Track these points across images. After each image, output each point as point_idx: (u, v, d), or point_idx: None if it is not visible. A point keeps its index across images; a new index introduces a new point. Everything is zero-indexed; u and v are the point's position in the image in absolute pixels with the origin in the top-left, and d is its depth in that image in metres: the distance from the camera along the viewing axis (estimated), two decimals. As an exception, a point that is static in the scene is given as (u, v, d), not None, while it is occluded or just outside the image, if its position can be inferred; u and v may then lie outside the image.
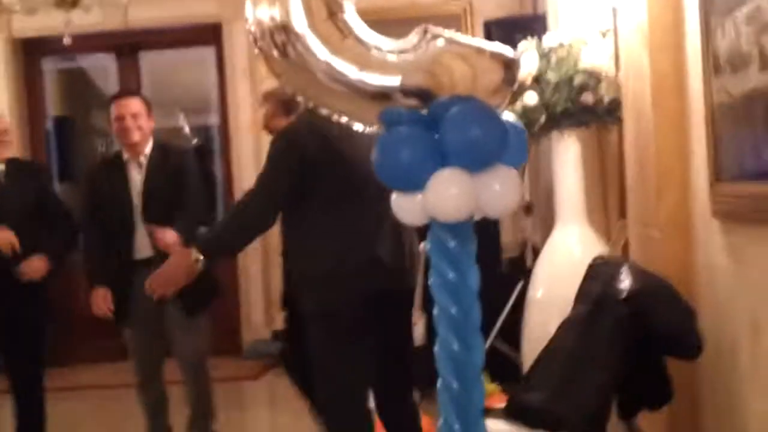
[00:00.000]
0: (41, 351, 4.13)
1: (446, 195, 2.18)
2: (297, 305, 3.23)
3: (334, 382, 2.95)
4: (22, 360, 4.03)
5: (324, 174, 2.92)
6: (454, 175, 2.18)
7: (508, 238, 5.36)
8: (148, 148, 3.97)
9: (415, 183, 2.21)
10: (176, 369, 4.05)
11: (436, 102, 2.25)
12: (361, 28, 2.34)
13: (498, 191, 2.21)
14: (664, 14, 3.07)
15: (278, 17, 2.28)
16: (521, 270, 4.75)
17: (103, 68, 7.03)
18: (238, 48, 6.48)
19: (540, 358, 2.78)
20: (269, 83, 3.59)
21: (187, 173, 3.97)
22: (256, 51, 2.37)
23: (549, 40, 3.91)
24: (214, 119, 7.03)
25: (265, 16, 2.30)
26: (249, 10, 2.34)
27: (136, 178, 3.95)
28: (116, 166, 4.00)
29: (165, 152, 4.02)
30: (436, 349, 2.21)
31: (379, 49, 2.31)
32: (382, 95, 2.30)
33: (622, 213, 3.95)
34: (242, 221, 2.99)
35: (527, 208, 4.92)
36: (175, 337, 3.97)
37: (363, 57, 2.29)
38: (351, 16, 2.34)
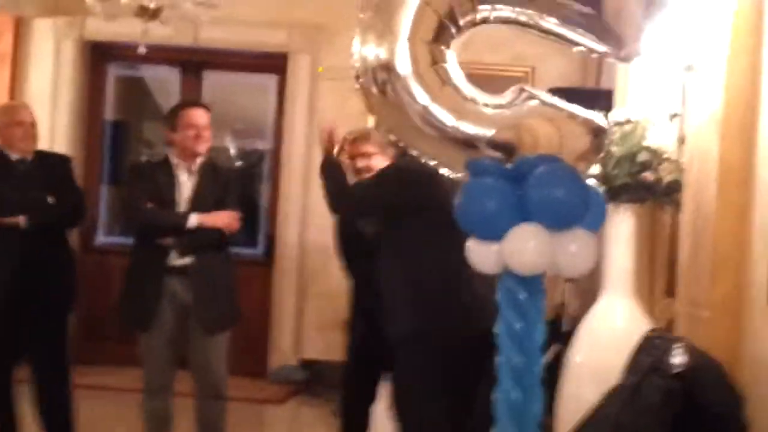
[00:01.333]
0: (63, 335, 4.18)
1: (524, 247, 2.25)
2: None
3: (420, 412, 3.06)
4: (46, 343, 4.08)
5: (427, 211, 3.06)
6: (533, 229, 2.25)
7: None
8: (200, 159, 4.04)
9: (494, 232, 2.29)
10: (186, 380, 4.03)
11: (522, 158, 2.33)
12: (460, 79, 2.44)
13: (574, 252, 2.29)
14: (739, 105, 3.14)
15: (383, 57, 2.39)
16: (555, 334, 4.78)
17: (165, 81, 7.14)
18: (301, 80, 6.60)
19: (584, 423, 2.81)
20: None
21: (231, 190, 4.07)
22: (356, 86, 2.47)
23: (616, 115, 4.00)
24: (264, 144, 7.14)
25: (371, 54, 2.41)
26: (356, 46, 2.44)
27: (186, 183, 4.01)
28: (164, 168, 4.04)
29: (214, 167, 4.11)
30: (495, 396, 2.26)
31: (474, 101, 2.41)
32: (469, 144, 2.40)
33: (668, 292, 3.99)
34: (338, 192, 3.38)
35: (569, 274, 4.96)
36: (193, 354, 3.99)
37: (459, 106, 2.39)
38: (452, 66, 2.44)
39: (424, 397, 3.04)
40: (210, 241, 3.93)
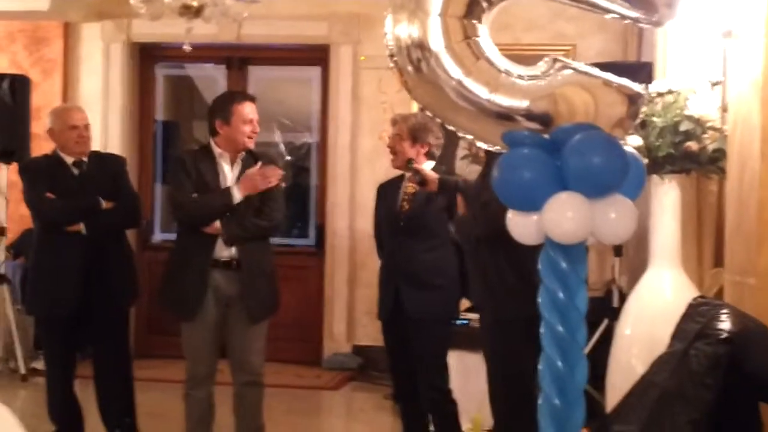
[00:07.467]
0: (125, 331, 4.34)
1: (563, 217, 2.26)
2: None
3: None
4: (108, 339, 4.21)
5: None
6: (572, 198, 2.27)
7: (592, 278, 5.38)
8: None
9: (533, 203, 2.31)
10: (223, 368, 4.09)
11: (559, 128, 2.34)
12: (493, 52, 2.46)
13: (613, 219, 2.29)
14: (780, 69, 3.12)
15: (416, 35, 2.42)
16: (606, 310, 4.78)
17: (211, 78, 7.27)
18: (343, 70, 6.67)
19: (632, 392, 2.82)
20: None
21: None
22: (391, 65, 2.50)
23: (657, 85, 3.98)
24: (311, 137, 7.22)
25: (403, 33, 2.44)
26: (388, 26, 2.47)
27: (229, 173, 3.99)
28: (207, 158, 4.02)
29: (255, 156, 4.07)
30: (540, 365, 2.28)
31: (508, 73, 2.43)
32: (505, 116, 2.41)
33: (717, 262, 3.97)
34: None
35: (617, 249, 4.95)
36: (234, 343, 4.01)
37: (493, 79, 2.40)
38: (485, 39, 2.46)
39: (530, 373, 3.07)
40: (255, 230, 3.95)
